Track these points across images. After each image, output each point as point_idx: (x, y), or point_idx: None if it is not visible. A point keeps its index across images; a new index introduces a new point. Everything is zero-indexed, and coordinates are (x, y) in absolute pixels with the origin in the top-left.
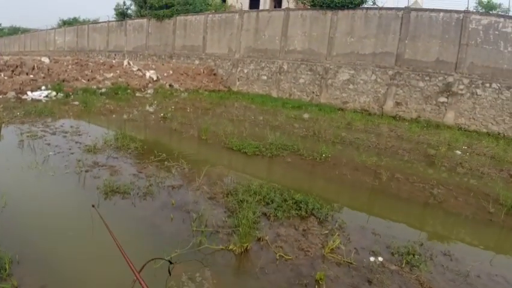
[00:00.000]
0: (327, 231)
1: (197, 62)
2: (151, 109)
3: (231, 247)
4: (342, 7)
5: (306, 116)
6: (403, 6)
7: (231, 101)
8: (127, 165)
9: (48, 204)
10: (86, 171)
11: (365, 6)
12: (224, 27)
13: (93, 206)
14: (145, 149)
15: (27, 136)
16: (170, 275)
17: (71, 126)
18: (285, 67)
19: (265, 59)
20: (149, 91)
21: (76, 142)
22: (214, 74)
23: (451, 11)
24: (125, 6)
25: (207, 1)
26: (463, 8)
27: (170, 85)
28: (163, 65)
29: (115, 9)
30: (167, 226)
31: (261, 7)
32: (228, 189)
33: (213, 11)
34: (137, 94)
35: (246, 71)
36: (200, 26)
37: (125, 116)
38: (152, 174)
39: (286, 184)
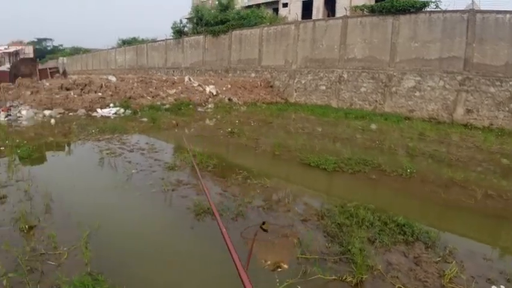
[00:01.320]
0: (439, 258)
1: (253, 75)
2: (216, 124)
3: (345, 277)
4: (404, 12)
5: (373, 126)
6: (467, 9)
7: (290, 113)
8: (210, 184)
9: (142, 226)
10: (173, 190)
11: (428, 9)
12: (280, 39)
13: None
14: (223, 166)
15: (107, 154)
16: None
17: (146, 143)
18: (345, 76)
19: (323, 68)
20: (209, 106)
21: (155, 160)
22: (271, 86)
23: None
24: (181, 24)
25: (261, 14)
26: None
27: (229, 99)
28: (221, 79)
29: (172, 28)
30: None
31: (313, 17)
32: (321, 211)
33: (268, 24)
34: (199, 109)
35: (303, 81)
36: (255, 39)
37: (193, 131)
38: (237, 193)
39: (378, 204)
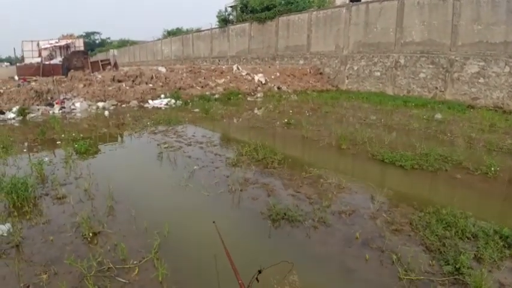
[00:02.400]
0: None
1: (301, 62)
2: (269, 114)
3: None
4: None
5: (438, 116)
6: None
7: (344, 101)
8: (279, 183)
9: (215, 233)
10: (241, 190)
11: None
12: (330, 24)
13: (213, 222)
14: (289, 163)
15: (165, 148)
16: None
17: (203, 136)
18: (402, 61)
19: (378, 53)
20: (258, 95)
21: (215, 154)
22: (321, 73)
23: None
24: (227, 13)
25: None
26: None
27: (278, 87)
28: (269, 67)
29: (217, 17)
30: (365, 271)
31: None
32: (413, 219)
33: (316, 8)
34: (249, 98)
35: (355, 67)
36: (303, 25)
37: (248, 122)
38: (311, 194)
39: (473, 210)
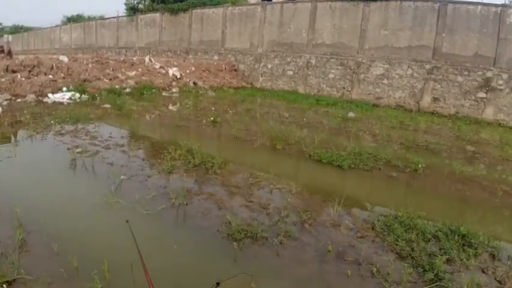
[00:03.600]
0: None
1: (216, 57)
2: (191, 111)
3: None
4: None
5: (352, 114)
6: None
7: (261, 98)
8: (226, 192)
9: (171, 264)
10: (186, 204)
11: None
12: (245, 20)
13: (127, 221)
14: (230, 167)
15: (78, 153)
16: None
17: (122, 137)
18: (313, 61)
19: (291, 53)
20: (174, 90)
21: (143, 159)
22: (235, 70)
23: (488, 5)
24: (136, 1)
25: None
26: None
27: (194, 83)
28: (184, 61)
29: (125, 4)
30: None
31: None
32: (373, 223)
33: (231, 4)
34: (164, 93)
35: (269, 66)
36: (218, 20)
37: (171, 120)
38: (265, 203)
39: (422, 209)
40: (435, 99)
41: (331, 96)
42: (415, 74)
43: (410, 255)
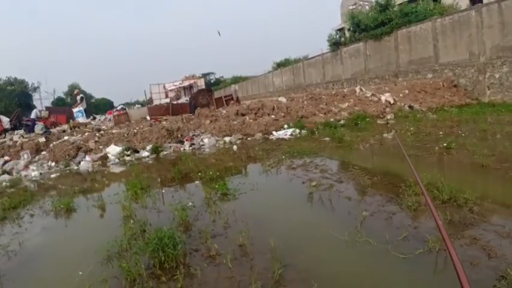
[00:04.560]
0: None
1: (430, 75)
2: (415, 138)
3: None
4: None
5: None
6: None
7: (493, 115)
8: (494, 236)
9: None
10: (445, 249)
11: None
12: (459, 29)
13: None
14: (487, 204)
15: (313, 186)
16: None
17: (350, 170)
18: None
19: None
20: (388, 116)
21: (380, 194)
22: (455, 86)
23: None
24: (338, 35)
25: (429, 6)
26: None
27: (410, 106)
28: (395, 85)
29: (328, 40)
30: None
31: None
32: None
33: (439, 15)
34: (378, 121)
35: (497, 76)
36: (428, 35)
37: (397, 150)
38: None
39: None
40: None
41: None
42: None
43: None
